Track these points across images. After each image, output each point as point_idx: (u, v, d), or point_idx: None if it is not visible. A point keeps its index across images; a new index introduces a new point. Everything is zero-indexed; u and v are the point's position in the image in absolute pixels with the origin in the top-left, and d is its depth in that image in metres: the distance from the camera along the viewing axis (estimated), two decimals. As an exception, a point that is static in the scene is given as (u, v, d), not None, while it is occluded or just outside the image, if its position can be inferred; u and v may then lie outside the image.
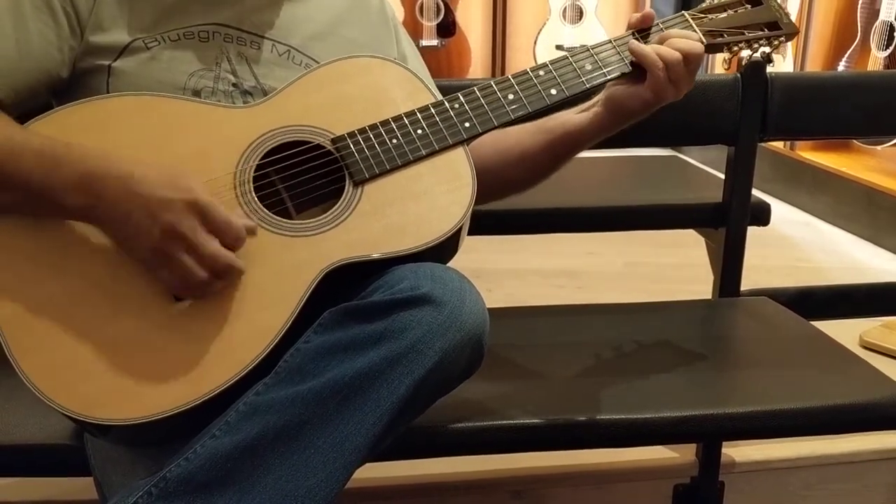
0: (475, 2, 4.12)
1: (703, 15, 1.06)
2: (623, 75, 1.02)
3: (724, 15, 1.07)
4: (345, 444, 0.81)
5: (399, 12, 3.88)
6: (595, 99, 1.05)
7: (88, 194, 0.85)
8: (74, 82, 0.98)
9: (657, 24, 1.04)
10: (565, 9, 3.95)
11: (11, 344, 0.84)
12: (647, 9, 1.06)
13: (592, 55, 1.02)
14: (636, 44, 1.01)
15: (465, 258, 0.99)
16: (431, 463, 1.33)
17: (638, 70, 1.00)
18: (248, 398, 0.83)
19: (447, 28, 3.98)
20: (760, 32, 1.07)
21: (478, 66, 4.12)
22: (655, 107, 1.01)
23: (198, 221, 0.85)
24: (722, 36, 1.05)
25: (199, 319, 0.87)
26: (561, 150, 1.08)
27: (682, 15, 1.06)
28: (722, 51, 1.07)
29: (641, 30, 1.03)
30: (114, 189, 0.85)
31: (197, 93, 0.98)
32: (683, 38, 1.00)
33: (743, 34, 1.06)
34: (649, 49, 0.99)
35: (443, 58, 3.99)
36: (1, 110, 0.91)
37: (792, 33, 1.08)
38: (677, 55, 0.98)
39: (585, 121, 1.05)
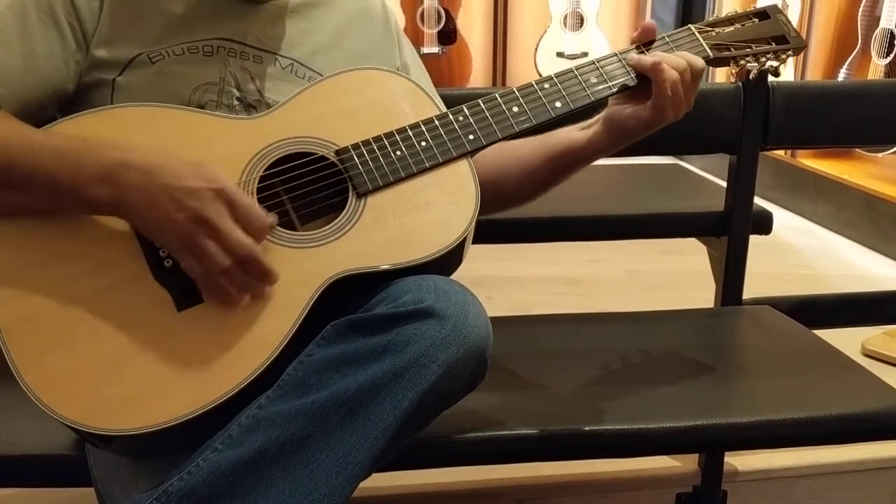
0: (476, 9, 4.13)
1: (709, 28, 1.05)
2: (627, 89, 1.01)
3: (730, 29, 1.06)
4: (348, 458, 0.81)
5: (400, 20, 3.88)
6: (597, 117, 1.04)
7: (113, 185, 0.85)
8: (79, 97, 0.98)
9: (662, 38, 1.04)
10: (566, 16, 3.95)
11: (13, 354, 0.84)
12: (648, 20, 1.06)
13: (598, 68, 1.01)
14: (635, 55, 1.00)
15: (467, 266, 0.99)
16: (434, 472, 1.33)
17: (641, 87, 1.00)
18: (250, 411, 0.83)
19: (448, 35, 3.98)
20: (767, 46, 1.06)
21: (479, 74, 4.12)
22: (653, 127, 1.00)
23: (225, 209, 0.85)
24: (729, 49, 1.04)
25: (202, 329, 0.87)
26: (561, 165, 1.08)
27: (689, 28, 1.05)
28: (728, 64, 1.06)
29: (646, 43, 1.03)
30: (138, 178, 0.85)
31: (201, 107, 0.98)
32: (686, 53, 1.00)
33: (750, 48, 1.05)
34: (648, 58, 0.98)
35: (444, 65, 3.99)
36: None
37: (799, 47, 1.07)
38: (682, 62, 0.98)
39: (585, 138, 1.04)
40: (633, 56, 1.00)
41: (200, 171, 0.86)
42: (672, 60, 0.98)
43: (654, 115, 0.98)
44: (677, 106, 0.98)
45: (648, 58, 0.98)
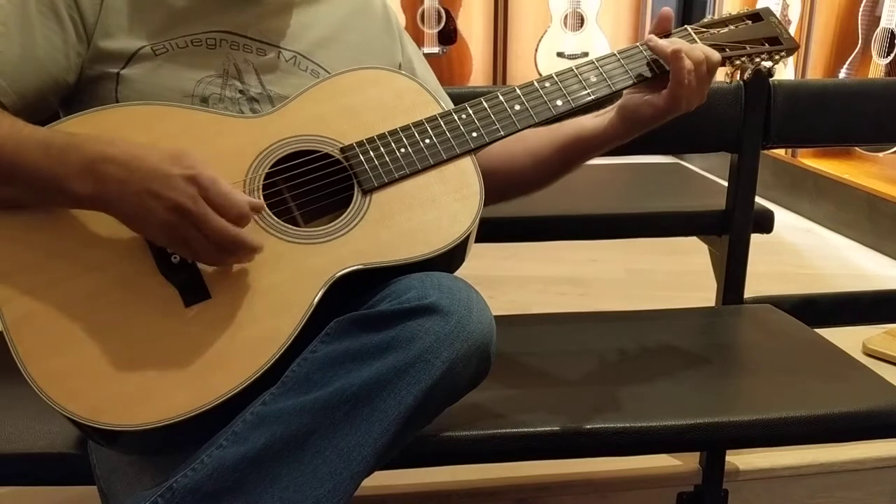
0: (476, 9, 4.13)
1: (704, 29, 1.08)
2: (633, 85, 1.03)
3: (725, 30, 1.09)
4: (352, 454, 0.81)
5: (400, 20, 3.88)
6: (611, 106, 1.06)
7: (94, 178, 0.85)
8: (83, 90, 0.98)
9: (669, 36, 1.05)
10: (566, 16, 3.96)
11: (19, 348, 0.84)
12: (665, 9, 1.07)
13: (597, 67, 1.04)
14: (656, 40, 1.02)
15: (468, 265, 0.99)
16: (435, 470, 1.33)
17: (657, 79, 1.02)
18: (254, 408, 0.83)
19: (448, 36, 3.99)
20: (761, 47, 1.09)
21: (479, 74, 4.12)
22: (667, 116, 1.02)
23: (199, 195, 0.84)
24: (724, 50, 1.07)
25: (209, 325, 0.87)
26: (571, 153, 1.09)
27: (686, 29, 1.08)
28: (724, 65, 1.08)
29: (663, 35, 1.05)
30: (117, 170, 0.84)
31: (205, 100, 0.99)
32: (703, 46, 1.03)
33: (745, 48, 1.08)
34: (668, 45, 1.00)
35: (444, 65, 4.00)
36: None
37: (792, 48, 1.10)
38: (700, 54, 1.00)
39: (599, 127, 1.06)
40: (654, 41, 1.02)
41: (178, 159, 0.85)
42: (690, 51, 0.99)
43: (668, 103, 1.00)
44: (691, 96, 1.00)
45: (668, 45, 1.00)
